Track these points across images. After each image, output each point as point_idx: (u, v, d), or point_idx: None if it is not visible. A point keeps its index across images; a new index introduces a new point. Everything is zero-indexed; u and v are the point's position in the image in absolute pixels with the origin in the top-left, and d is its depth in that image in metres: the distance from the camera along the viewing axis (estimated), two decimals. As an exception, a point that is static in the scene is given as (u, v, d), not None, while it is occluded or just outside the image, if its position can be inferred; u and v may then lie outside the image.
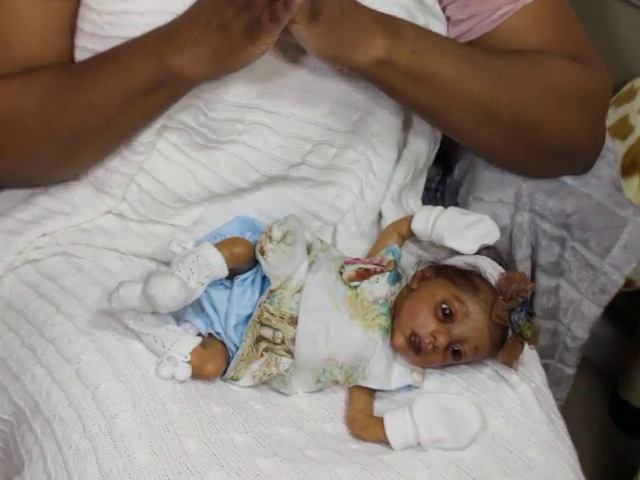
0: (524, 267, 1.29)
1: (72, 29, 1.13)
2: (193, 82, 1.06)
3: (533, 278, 1.30)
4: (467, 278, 1.07)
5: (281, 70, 1.09)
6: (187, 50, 1.03)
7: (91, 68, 1.10)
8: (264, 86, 1.10)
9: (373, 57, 1.05)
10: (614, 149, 1.36)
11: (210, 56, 1.03)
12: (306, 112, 1.11)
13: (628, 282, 1.31)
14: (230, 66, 1.04)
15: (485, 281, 1.07)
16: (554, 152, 1.22)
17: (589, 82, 1.20)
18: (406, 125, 1.21)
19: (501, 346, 1.06)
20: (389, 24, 1.07)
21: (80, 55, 1.12)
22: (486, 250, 1.12)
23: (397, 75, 1.08)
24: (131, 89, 1.08)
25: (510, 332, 1.05)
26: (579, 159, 1.26)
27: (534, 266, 1.30)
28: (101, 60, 1.10)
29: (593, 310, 1.31)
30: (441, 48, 1.12)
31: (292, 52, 1.08)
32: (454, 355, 1.06)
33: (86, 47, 1.11)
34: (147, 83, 1.07)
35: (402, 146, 1.22)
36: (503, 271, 1.09)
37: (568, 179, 1.27)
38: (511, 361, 1.06)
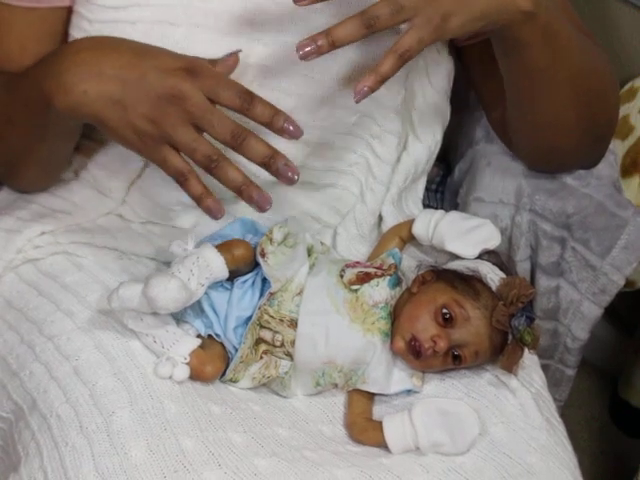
0: (523, 268, 1.29)
1: (58, 36, 1.12)
2: (70, 117, 1.03)
3: (533, 279, 1.30)
4: (468, 283, 1.07)
5: (277, 75, 1.09)
6: (68, 87, 0.99)
7: (10, 87, 1.09)
8: (260, 91, 1.09)
9: (523, 11, 1.02)
10: (614, 150, 1.36)
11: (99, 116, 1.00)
12: (304, 116, 1.10)
13: (628, 282, 1.31)
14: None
15: (486, 286, 1.07)
16: (599, 133, 1.22)
17: (612, 70, 1.21)
18: (406, 128, 1.21)
19: (501, 351, 1.06)
20: None
21: None
22: (487, 255, 1.13)
23: (536, 32, 1.05)
24: (32, 117, 1.07)
25: (510, 337, 1.05)
26: (605, 146, 1.27)
27: (533, 267, 1.30)
28: (16, 80, 1.09)
29: (593, 310, 1.31)
30: (559, 7, 1.10)
31: (288, 56, 1.08)
32: (454, 360, 1.06)
33: None
34: (37, 112, 1.05)
35: (402, 149, 1.22)
36: (504, 276, 1.09)
37: (569, 179, 1.27)
38: (511, 366, 1.06)
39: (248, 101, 0.96)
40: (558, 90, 1.13)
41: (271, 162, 0.97)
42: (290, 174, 0.97)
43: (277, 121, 0.97)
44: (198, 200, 0.99)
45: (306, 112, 1.10)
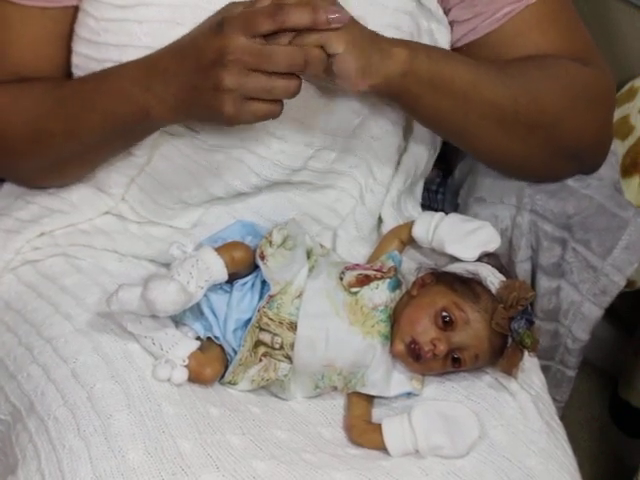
0: (524, 269, 1.29)
1: (68, 38, 1.13)
2: (169, 123, 1.08)
3: (534, 279, 1.30)
4: (467, 285, 1.07)
5: None
6: (161, 95, 1.02)
7: (76, 98, 1.11)
8: None
9: (400, 68, 1.04)
10: (615, 151, 1.35)
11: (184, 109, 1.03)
12: (309, 118, 1.10)
13: (629, 283, 1.31)
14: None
15: (485, 289, 1.07)
16: (567, 154, 1.21)
17: (597, 83, 1.20)
18: (406, 131, 1.21)
19: (501, 354, 1.06)
20: (395, 39, 1.07)
21: (76, 59, 1.13)
22: (487, 257, 1.12)
23: (421, 84, 1.07)
24: (110, 127, 1.08)
25: (510, 340, 1.05)
26: (588, 160, 1.26)
27: (534, 267, 1.30)
28: (85, 92, 1.10)
29: (594, 311, 1.30)
30: (451, 56, 1.12)
31: None
32: (454, 363, 1.06)
33: (81, 52, 1.12)
34: (125, 124, 1.07)
35: (402, 151, 1.22)
36: (504, 279, 1.09)
37: (569, 181, 1.26)
38: (511, 369, 1.06)
39: (280, 14, 0.96)
40: (479, 129, 1.15)
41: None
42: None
43: (320, 20, 0.97)
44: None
45: (310, 115, 1.10)
